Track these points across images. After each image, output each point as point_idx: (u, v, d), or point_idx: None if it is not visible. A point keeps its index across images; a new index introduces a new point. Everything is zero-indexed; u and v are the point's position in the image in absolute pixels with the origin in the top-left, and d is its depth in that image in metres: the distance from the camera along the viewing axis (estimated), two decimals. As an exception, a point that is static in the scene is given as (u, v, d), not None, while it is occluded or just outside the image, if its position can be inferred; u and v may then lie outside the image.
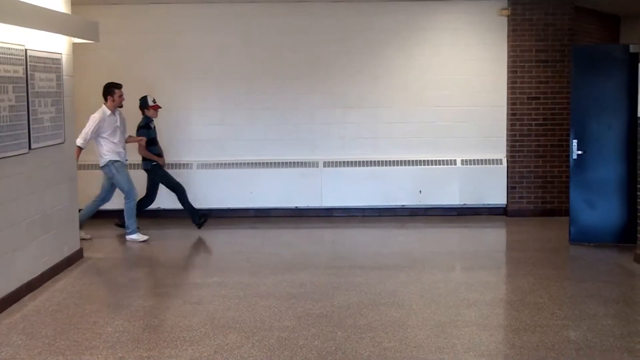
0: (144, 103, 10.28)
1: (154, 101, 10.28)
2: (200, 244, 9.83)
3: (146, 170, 10.37)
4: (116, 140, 9.68)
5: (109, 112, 9.65)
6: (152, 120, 10.33)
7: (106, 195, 10.10)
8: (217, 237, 10.24)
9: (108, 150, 9.70)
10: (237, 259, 8.88)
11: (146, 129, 10.23)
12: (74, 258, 8.56)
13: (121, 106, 9.81)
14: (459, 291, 7.32)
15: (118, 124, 9.73)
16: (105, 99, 9.71)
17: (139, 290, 7.48)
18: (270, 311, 6.65)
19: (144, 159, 10.30)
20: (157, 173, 10.35)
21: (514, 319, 6.47)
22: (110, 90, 9.71)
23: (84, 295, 7.42)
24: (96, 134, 9.60)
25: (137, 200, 10.06)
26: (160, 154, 10.40)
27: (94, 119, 9.61)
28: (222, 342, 5.91)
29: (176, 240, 10.07)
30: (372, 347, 5.75)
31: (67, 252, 8.37)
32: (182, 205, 10.51)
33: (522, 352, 5.61)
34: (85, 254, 8.88)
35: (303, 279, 7.76)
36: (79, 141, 9.42)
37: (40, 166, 7.64)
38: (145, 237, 9.78)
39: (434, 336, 5.98)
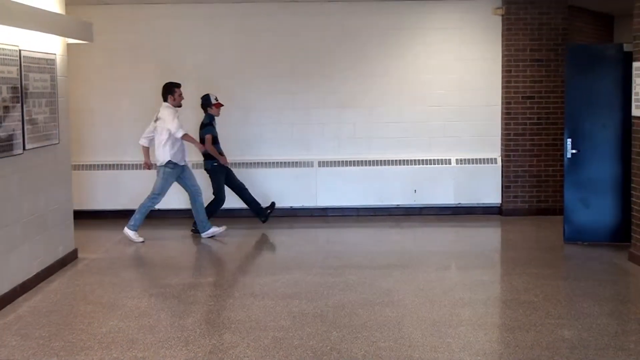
0: (206, 101, 10.22)
1: (216, 99, 10.21)
2: (194, 244, 9.82)
3: (207, 170, 10.31)
4: (179, 141, 9.66)
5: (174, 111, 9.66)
6: (214, 118, 10.25)
7: (195, 195, 9.95)
8: (211, 238, 10.23)
9: (171, 150, 9.59)
10: (231, 259, 8.88)
11: (210, 126, 10.14)
12: (69, 258, 8.55)
13: (180, 106, 9.75)
14: (453, 290, 7.32)
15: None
16: (165, 99, 9.68)
17: (133, 290, 7.47)
18: (265, 311, 6.65)
19: (205, 158, 10.25)
20: (220, 171, 10.25)
21: (508, 318, 6.48)
22: (171, 89, 9.65)
23: (78, 295, 7.41)
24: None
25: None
26: (221, 153, 10.24)
27: (170, 112, 9.63)
28: (217, 342, 5.90)
29: (170, 241, 10.06)
30: (367, 346, 5.75)
31: (61, 252, 8.36)
32: (247, 204, 10.56)
33: (517, 351, 5.62)
34: (79, 255, 8.87)
35: (298, 278, 7.76)
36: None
37: (34, 167, 7.63)
38: (140, 239, 9.68)
39: (429, 335, 5.99)
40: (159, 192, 9.76)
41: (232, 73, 11.32)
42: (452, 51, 11.38)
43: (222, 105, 10.26)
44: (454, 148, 11.42)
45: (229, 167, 10.45)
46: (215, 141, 10.16)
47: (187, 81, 11.30)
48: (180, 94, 9.70)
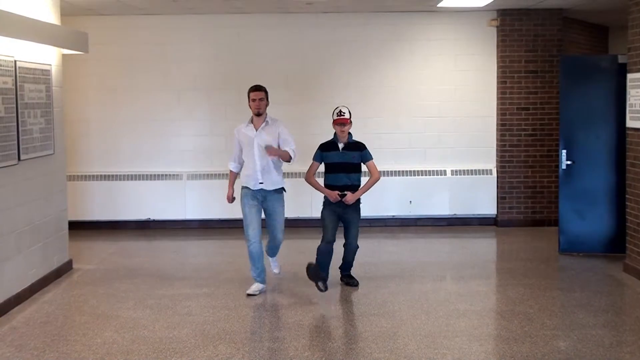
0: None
1: (338, 114, 8.08)
2: (190, 255, 9.80)
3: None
4: (247, 157, 7.74)
5: (246, 122, 7.80)
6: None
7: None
8: (207, 248, 10.22)
9: (242, 172, 7.86)
10: (227, 270, 8.86)
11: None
12: (64, 269, 8.52)
13: (258, 114, 7.67)
14: (449, 301, 7.32)
15: (253, 135, 7.64)
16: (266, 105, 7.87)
17: (128, 301, 7.45)
18: (261, 322, 6.64)
19: None
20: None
21: (504, 329, 6.48)
22: (247, 94, 7.81)
23: (73, 306, 7.39)
24: (238, 152, 7.86)
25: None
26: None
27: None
28: (212, 353, 5.89)
29: (166, 251, 10.03)
30: (362, 357, 5.74)
31: (56, 263, 8.34)
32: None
33: (512, 362, 5.62)
34: (74, 265, 8.84)
35: (293, 289, 7.75)
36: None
37: (29, 177, 7.62)
38: (254, 291, 7.61)
39: (424, 347, 5.98)
40: (244, 226, 7.83)
41: (228, 83, 11.32)
42: (447, 62, 11.40)
43: (340, 121, 7.90)
44: (449, 159, 11.44)
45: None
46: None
47: (182, 92, 11.33)
48: (254, 100, 7.70)
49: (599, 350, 5.86)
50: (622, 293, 7.83)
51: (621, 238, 8.79)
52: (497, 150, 11.40)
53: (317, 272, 7.44)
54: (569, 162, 9.25)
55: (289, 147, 7.61)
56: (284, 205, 7.82)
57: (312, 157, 7.90)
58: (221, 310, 7.07)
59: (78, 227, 10.61)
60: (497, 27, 11.24)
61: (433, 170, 11.38)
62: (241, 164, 7.85)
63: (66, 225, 8.77)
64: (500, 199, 11.38)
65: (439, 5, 10.42)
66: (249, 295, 7.50)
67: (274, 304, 7.26)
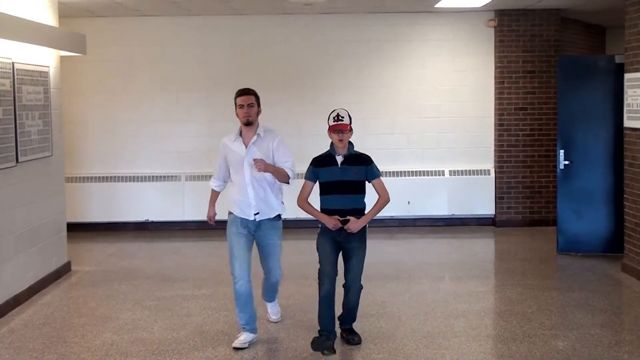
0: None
1: (335, 118, 6.62)
2: (189, 257, 9.80)
3: None
4: (236, 178, 6.30)
5: (234, 134, 6.35)
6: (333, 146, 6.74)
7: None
8: (206, 249, 10.22)
9: (231, 194, 6.35)
10: (226, 271, 8.85)
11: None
12: (62, 271, 8.52)
13: (247, 123, 6.23)
14: (447, 301, 7.32)
15: (243, 153, 6.21)
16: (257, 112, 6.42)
17: (127, 302, 7.45)
18: (259, 323, 6.64)
19: None
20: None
21: (502, 329, 6.48)
22: (234, 100, 6.42)
23: (72, 308, 7.40)
24: (223, 171, 6.45)
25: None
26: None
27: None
28: (211, 354, 5.89)
29: (165, 253, 10.03)
30: (361, 358, 5.75)
31: (55, 265, 8.33)
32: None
33: (511, 362, 5.63)
34: (73, 267, 8.84)
35: (292, 290, 7.75)
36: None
37: (27, 179, 7.62)
38: (243, 343, 6.04)
39: (423, 347, 5.98)
40: (230, 262, 6.34)
41: (226, 84, 11.30)
42: (445, 63, 11.41)
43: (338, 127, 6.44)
44: (448, 159, 11.44)
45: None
46: None
47: (181, 93, 11.32)
48: (242, 106, 6.33)
49: (597, 350, 5.87)
50: (621, 293, 7.84)
51: (619, 238, 8.80)
52: (495, 150, 11.41)
53: (319, 344, 5.86)
54: (566, 162, 9.26)
55: (285, 164, 6.22)
56: (280, 235, 6.35)
57: (304, 175, 6.25)
58: (220, 311, 7.07)
59: (76, 229, 10.61)
60: (494, 27, 11.24)
61: (431, 171, 11.39)
62: (226, 182, 6.50)
63: (65, 227, 8.77)
64: (499, 199, 11.39)
65: (437, 5, 10.43)
66: (236, 349, 5.98)
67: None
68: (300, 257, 9.58)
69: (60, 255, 8.54)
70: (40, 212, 7.99)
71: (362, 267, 6.10)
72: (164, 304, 7.38)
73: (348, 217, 5.99)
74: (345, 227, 5.97)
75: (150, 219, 11.24)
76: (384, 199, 6.20)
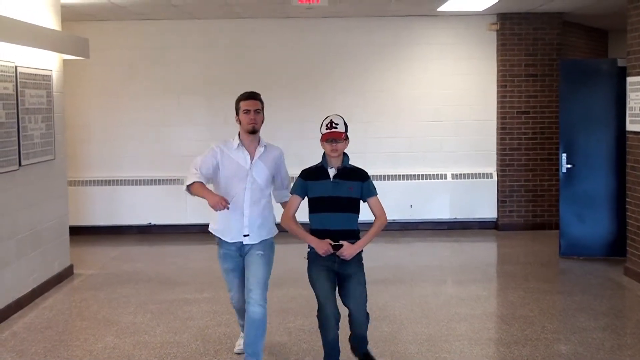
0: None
1: (328, 125, 5.80)
2: (191, 260, 9.80)
3: None
4: (228, 194, 5.47)
5: (235, 141, 5.63)
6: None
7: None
8: (208, 253, 10.21)
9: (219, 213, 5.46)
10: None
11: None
12: (65, 274, 8.53)
13: (253, 131, 5.61)
14: (449, 305, 7.32)
15: (247, 166, 5.53)
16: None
17: (129, 306, 7.46)
18: (261, 327, 6.63)
19: None
20: None
21: (504, 333, 6.48)
22: (236, 104, 5.77)
23: (74, 311, 7.40)
24: (206, 173, 5.49)
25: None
26: None
27: (208, 150, 5.64)
28: (213, 358, 5.89)
29: (167, 256, 10.04)
30: (363, 362, 5.74)
31: (57, 268, 8.34)
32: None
33: (513, 366, 5.62)
34: (75, 271, 8.85)
35: (294, 293, 7.74)
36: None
37: (30, 182, 7.63)
38: (241, 349, 5.73)
39: (425, 350, 5.98)
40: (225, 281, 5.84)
41: (228, 88, 11.30)
42: (447, 66, 11.42)
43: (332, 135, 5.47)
44: (450, 163, 11.44)
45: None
46: None
47: (183, 96, 11.33)
48: (248, 111, 5.66)
49: (599, 354, 5.86)
50: (623, 296, 7.83)
51: (622, 241, 8.79)
52: (497, 153, 11.41)
53: None
54: (569, 166, 9.26)
55: (286, 189, 5.71)
56: (270, 257, 5.71)
57: (291, 188, 5.51)
58: (222, 314, 7.07)
59: (79, 232, 10.61)
60: (497, 31, 11.25)
61: (433, 174, 11.39)
62: (208, 182, 5.52)
63: (67, 231, 8.78)
64: (501, 203, 11.38)
65: (439, 9, 10.44)
66: (237, 354, 5.92)
67: (274, 308, 7.25)
68: (301, 257, 9.57)
69: (62, 259, 8.55)
70: (43, 215, 7.99)
71: (366, 294, 5.40)
72: (166, 307, 7.39)
73: (341, 242, 5.30)
74: (338, 253, 5.28)
75: (153, 223, 11.25)
76: (381, 221, 5.52)
